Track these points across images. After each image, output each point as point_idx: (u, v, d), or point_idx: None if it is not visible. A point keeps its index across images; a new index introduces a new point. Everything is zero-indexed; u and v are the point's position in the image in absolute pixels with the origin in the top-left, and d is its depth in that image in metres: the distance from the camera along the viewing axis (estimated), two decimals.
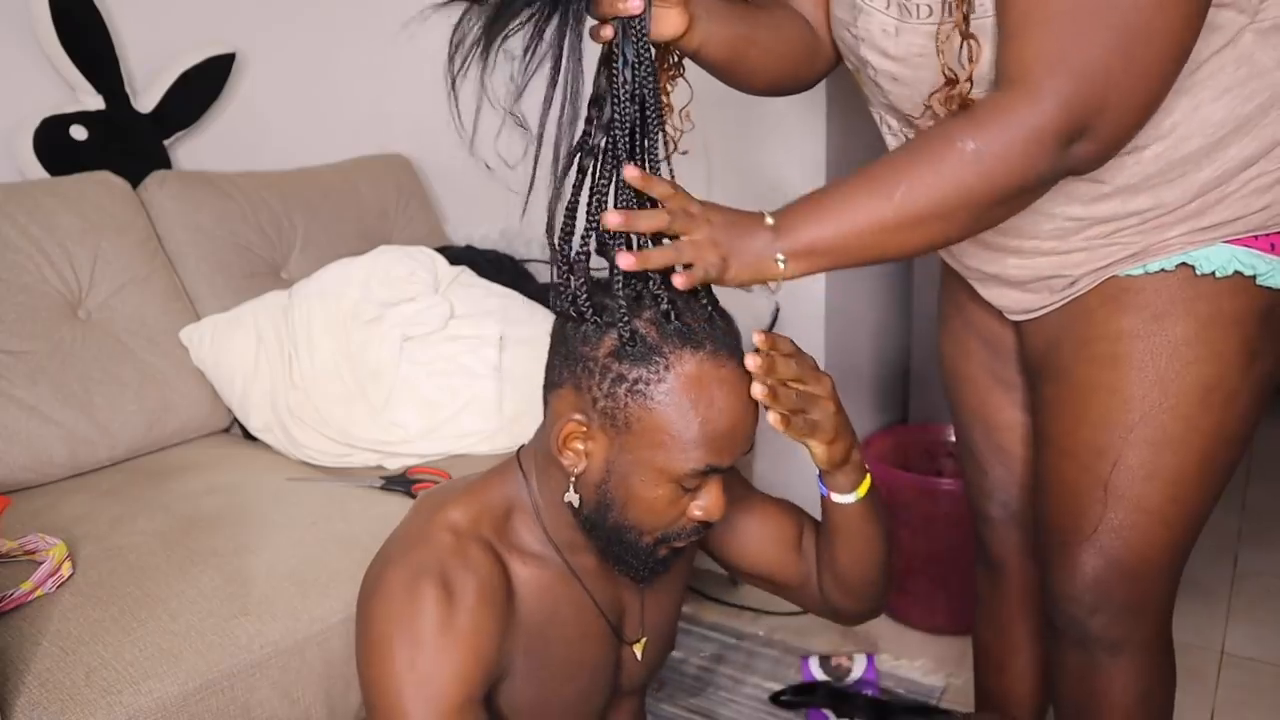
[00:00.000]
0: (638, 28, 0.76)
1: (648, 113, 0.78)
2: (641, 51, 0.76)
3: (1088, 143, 0.74)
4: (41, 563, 1.13)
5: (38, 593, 1.10)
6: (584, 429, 0.78)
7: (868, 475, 0.88)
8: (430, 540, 0.83)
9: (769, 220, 0.77)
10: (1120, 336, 0.90)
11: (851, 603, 0.96)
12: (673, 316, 0.75)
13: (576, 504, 0.82)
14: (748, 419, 0.78)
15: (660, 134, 0.80)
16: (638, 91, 0.77)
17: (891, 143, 0.99)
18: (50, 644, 1.02)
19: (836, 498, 0.88)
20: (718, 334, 0.77)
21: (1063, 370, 0.95)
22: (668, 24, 0.83)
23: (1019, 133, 0.73)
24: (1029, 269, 0.94)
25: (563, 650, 0.89)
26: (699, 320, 0.76)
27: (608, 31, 0.77)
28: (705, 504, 0.80)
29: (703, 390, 0.75)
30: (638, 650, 0.97)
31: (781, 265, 0.76)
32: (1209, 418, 0.89)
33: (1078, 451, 0.94)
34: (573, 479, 0.81)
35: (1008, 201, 0.77)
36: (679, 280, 0.74)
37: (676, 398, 0.74)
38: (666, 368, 0.74)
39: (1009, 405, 1.12)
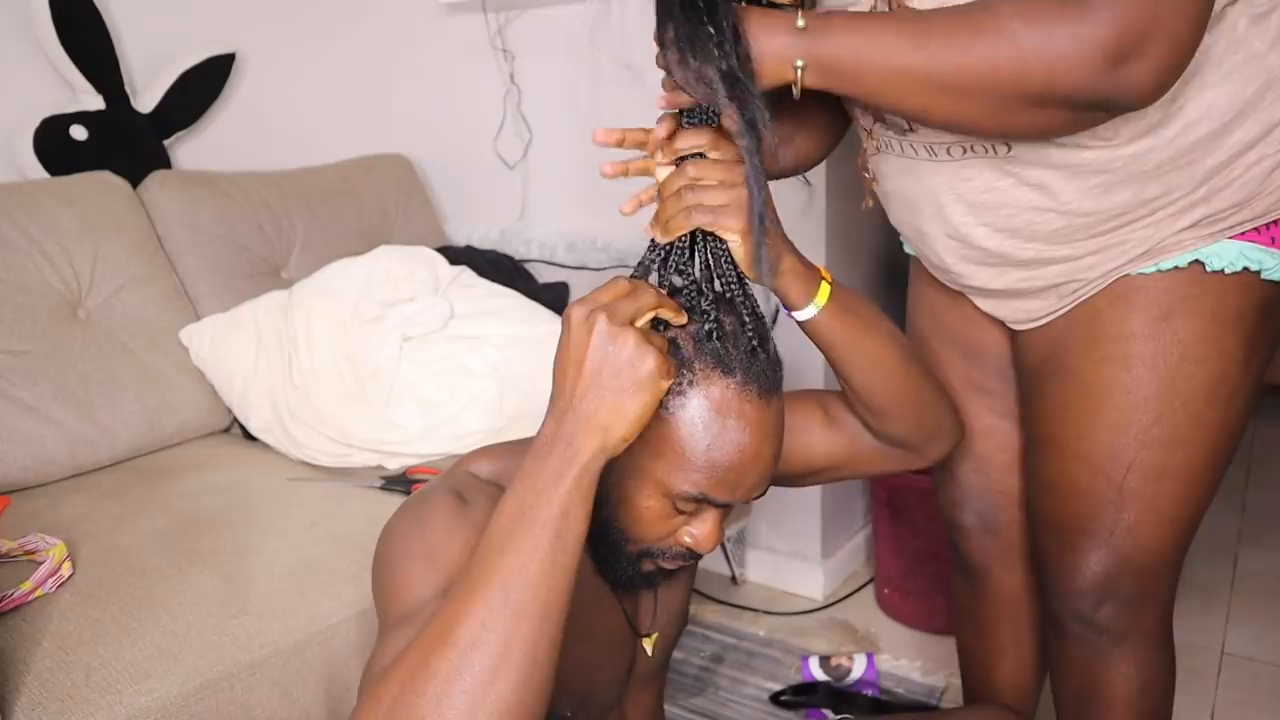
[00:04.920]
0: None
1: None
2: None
3: (1140, 63, 0.70)
4: (41, 563, 1.13)
5: (38, 593, 1.10)
6: None
7: (823, 282, 0.83)
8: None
9: (800, 22, 0.75)
10: (1132, 337, 0.89)
11: (905, 428, 0.91)
12: (714, 337, 0.74)
13: None
14: (758, 462, 0.76)
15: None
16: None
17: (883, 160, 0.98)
18: (50, 644, 1.02)
19: (799, 315, 0.83)
20: (755, 368, 0.75)
21: (1072, 371, 0.94)
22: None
23: (1066, 31, 0.69)
24: (1040, 279, 0.93)
25: (581, 634, 0.88)
26: (740, 350, 0.75)
27: None
28: (697, 533, 0.78)
29: (718, 416, 0.73)
30: (648, 646, 0.97)
31: (799, 70, 0.74)
32: (1215, 413, 0.90)
33: (1092, 454, 0.93)
34: None
35: (1036, 106, 0.73)
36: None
37: (691, 414, 0.73)
38: (691, 383, 0.73)
39: (985, 411, 1.12)
